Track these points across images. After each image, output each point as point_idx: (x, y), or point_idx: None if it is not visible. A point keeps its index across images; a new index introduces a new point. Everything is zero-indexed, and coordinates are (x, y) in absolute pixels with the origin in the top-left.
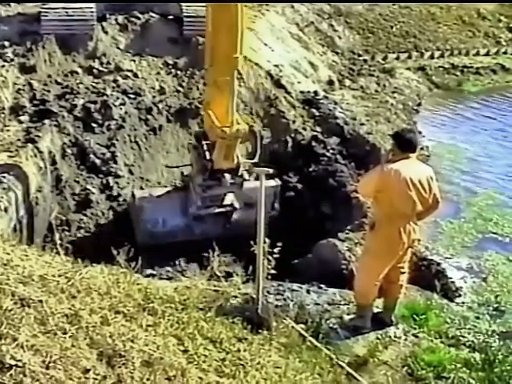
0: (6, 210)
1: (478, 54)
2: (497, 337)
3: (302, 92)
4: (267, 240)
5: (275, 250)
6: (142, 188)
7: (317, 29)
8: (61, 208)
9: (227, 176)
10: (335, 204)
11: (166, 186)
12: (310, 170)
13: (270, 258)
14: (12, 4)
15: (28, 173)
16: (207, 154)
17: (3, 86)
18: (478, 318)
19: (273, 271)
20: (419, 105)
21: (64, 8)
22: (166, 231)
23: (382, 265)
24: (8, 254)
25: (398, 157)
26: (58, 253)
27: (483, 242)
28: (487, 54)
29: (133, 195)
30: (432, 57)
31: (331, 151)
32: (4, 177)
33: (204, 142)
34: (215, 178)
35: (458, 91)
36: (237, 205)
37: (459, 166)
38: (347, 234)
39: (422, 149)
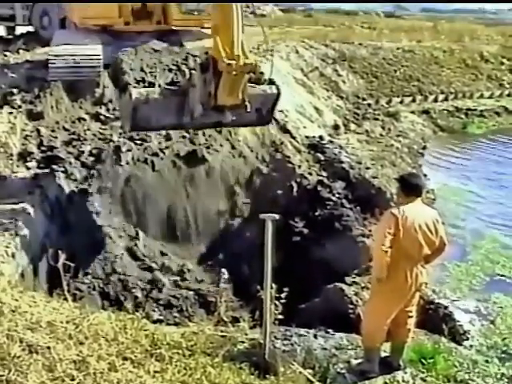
0: (13, 255)
1: (481, 96)
2: (506, 380)
3: (307, 137)
4: (274, 285)
5: (282, 295)
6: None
7: (321, 74)
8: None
9: (228, 114)
10: (341, 248)
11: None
12: (316, 214)
13: (276, 303)
14: (20, 51)
15: (35, 218)
16: (212, 86)
17: (11, 133)
18: (486, 361)
19: (280, 316)
20: (424, 148)
21: (71, 55)
22: (150, 127)
23: (390, 308)
24: (16, 300)
25: (404, 200)
26: (65, 299)
27: (491, 284)
28: (491, 97)
29: (130, 94)
30: (436, 100)
31: (337, 195)
32: (11, 222)
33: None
34: (216, 111)
35: (463, 134)
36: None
37: (465, 208)
38: (354, 278)
39: (427, 192)
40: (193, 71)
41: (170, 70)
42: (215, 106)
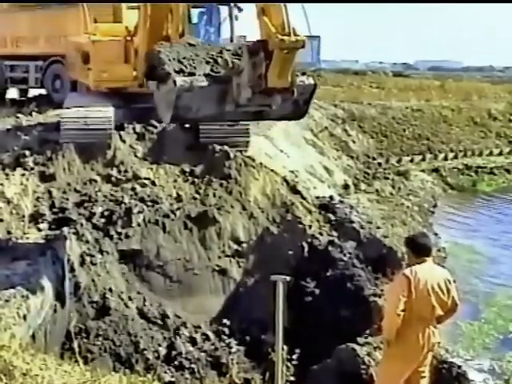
0: (24, 317)
1: (491, 154)
2: None
3: (317, 197)
4: (285, 346)
5: (294, 357)
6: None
7: (331, 134)
8: (79, 315)
9: (277, 97)
10: (353, 308)
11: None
12: (328, 274)
13: (288, 364)
14: (33, 113)
15: (47, 280)
16: (262, 68)
17: (23, 194)
18: None
19: (291, 378)
20: (435, 206)
21: (83, 117)
22: (190, 118)
23: (402, 369)
24: (27, 363)
25: (415, 261)
26: (76, 361)
27: (504, 342)
28: (500, 154)
29: (174, 82)
30: (446, 158)
31: (348, 255)
32: (23, 284)
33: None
34: (265, 95)
35: (473, 191)
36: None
37: (477, 266)
38: (366, 338)
39: (438, 250)
40: (235, 60)
41: (208, 62)
42: (265, 89)
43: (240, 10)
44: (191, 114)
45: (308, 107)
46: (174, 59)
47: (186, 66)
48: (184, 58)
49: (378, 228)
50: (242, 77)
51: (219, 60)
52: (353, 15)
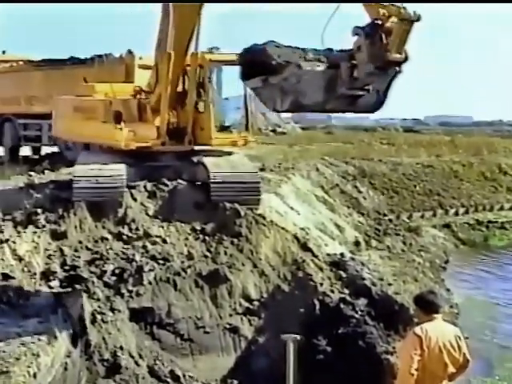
0: (35, 375)
1: (502, 208)
2: None
3: (328, 254)
4: None
5: None
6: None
7: (342, 190)
8: (90, 373)
9: (396, 70)
10: (365, 366)
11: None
12: (339, 332)
13: None
14: (45, 171)
15: (58, 338)
16: (382, 44)
17: (35, 252)
18: None
19: None
20: (446, 262)
21: (95, 176)
22: (305, 104)
23: None
24: None
25: (424, 318)
26: None
27: None
28: (511, 209)
29: (299, 65)
30: (457, 213)
31: (360, 312)
32: (34, 342)
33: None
34: (383, 69)
35: (485, 246)
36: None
37: (489, 321)
38: None
39: (451, 306)
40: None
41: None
42: (385, 63)
43: None
44: (306, 99)
45: (386, 97)
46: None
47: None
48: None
49: (390, 285)
50: (360, 56)
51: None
52: None
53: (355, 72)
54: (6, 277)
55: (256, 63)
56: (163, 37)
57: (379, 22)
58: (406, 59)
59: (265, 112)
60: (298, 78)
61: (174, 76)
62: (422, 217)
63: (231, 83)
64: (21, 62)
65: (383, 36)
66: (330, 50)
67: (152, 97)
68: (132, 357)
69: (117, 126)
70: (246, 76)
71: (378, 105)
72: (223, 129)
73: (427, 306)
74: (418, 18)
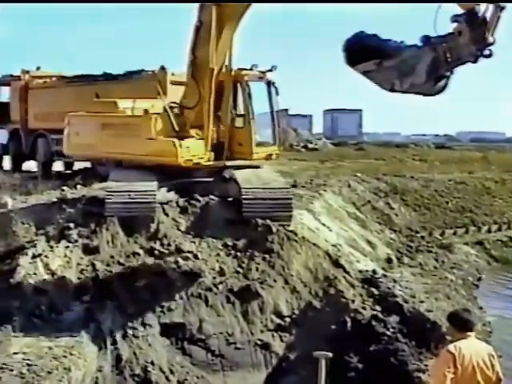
0: None
1: None
2: None
3: (360, 271)
4: None
5: None
6: None
7: (373, 207)
8: None
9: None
10: (397, 383)
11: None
12: (371, 349)
13: None
14: (78, 186)
15: (89, 352)
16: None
17: (67, 266)
18: None
19: None
20: (479, 279)
21: (127, 191)
22: (417, 84)
23: None
24: None
25: (457, 336)
26: None
27: None
28: None
29: (417, 46)
30: (489, 230)
31: (391, 330)
32: (65, 356)
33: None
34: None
35: None
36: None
37: None
38: None
39: (483, 325)
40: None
41: None
42: (485, 45)
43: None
44: (418, 80)
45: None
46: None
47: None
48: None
49: (422, 302)
50: (461, 40)
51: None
52: None
53: (452, 54)
54: (39, 291)
55: (367, 49)
56: (202, 52)
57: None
58: (494, 42)
59: (296, 128)
60: (417, 60)
61: (215, 91)
62: (455, 234)
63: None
64: (54, 78)
65: (483, 21)
66: (427, 36)
67: (190, 113)
68: (163, 372)
69: (174, 142)
70: (352, 62)
71: (443, 89)
72: (258, 144)
73: (461, 323)
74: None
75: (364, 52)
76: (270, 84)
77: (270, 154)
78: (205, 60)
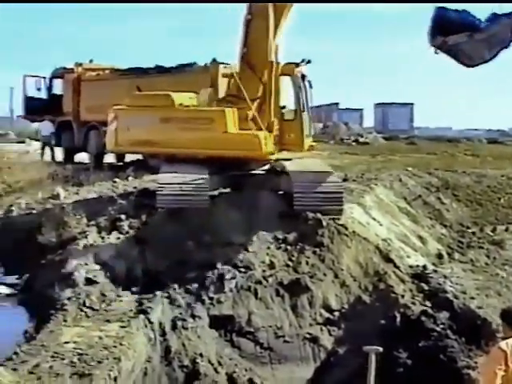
0: (115, 379)
1: None
2: None
3: (410, 266)
4: None
5: None
6: None
7: (424, 202)
8: (169, 379)
9: None
10: (446, 380)
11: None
12: (420, 345)
13: None
14: (130, 178)
15: (138, 343)
16: None
17: (118, 257)
18: None
19: None
20: None
21: (179, 183)
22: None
23: None
24: None
25: (510, 334)
26: None
27: None
28: None
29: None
30: None
31: (441, 326)
32: (115, 346)
33: None
34: None
35: None
36: None
37: None
38: None
39: None
40: None
41: None
42: None
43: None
44: (498, 49)
45: None
46: None
47: None
48: None
49: (472, 298)
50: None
51: None
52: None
53: None
54: (90, 281)
55: (456, 22)
56: (260, 45)
57: None
58: None
59: (347, 122)
60: (506, 33)
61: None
62: (507, 230)
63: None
64: (107, 71)
65: None
66: (496, 14)
67: (249, 105)
68: (211, 364)
69: (259, 135)
70: (438, 33)
71: None
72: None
73: None
74: None
75: (451, 26)
76: (304, 77)
77: (312, 146)
78: (262, 53)
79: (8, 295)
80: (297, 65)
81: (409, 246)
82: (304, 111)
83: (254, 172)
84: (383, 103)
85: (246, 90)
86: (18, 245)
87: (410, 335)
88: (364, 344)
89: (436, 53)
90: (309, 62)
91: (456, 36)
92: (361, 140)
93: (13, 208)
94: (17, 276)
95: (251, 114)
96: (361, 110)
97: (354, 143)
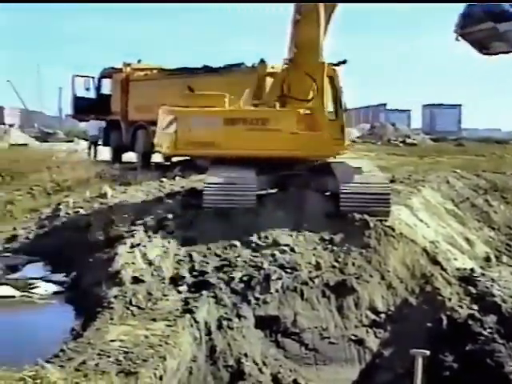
0: (161, 378)
1: None
2: None
3: (458, 269)
4: None
5: None
6: None
7: (472, 204)
8: (214, 379)
9: None
10: None
11: None
12: (467, 349)
13: None
14: (177, 178)
15: (184, 342)
16: None
17: (164, 257)
18: None
19: None
20: None
21: (226, 183)
22: None
23: None
24: None
25: None
26: None
27: None
28: None
29: None
30: None
31: (488, 330)
32: (161, 345)
33: None
34: None
35: None
36: None
37: None
38: None
39: None
40: None
41: None
42: None
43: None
44: None
45: None
46: None
47: None
48: None
49: None
50: None
51: None
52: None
53: None
54: (137, 280)
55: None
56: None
57: None
58: None
59: (394, 123)
60: None
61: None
62: None
63: None
64: (155, 71)
65: None
66: None
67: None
68: (256, 364)
69: (334, 137)
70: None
71: None
72: None
73: None
74: None
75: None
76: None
77: (349, 145)
78: (313, 54)
79: (55, 293)
80: (336, 65)
81: (456, 249)
82: (345, 111)
83: (300, 172)
84: (431, 104)
85: (296, 91)
86: (66, 243)
87: (456, 339)
88: (410, 346)
89: (457, 39)
90: (345, 62)
91: (508, 23)
92: (408, 141)
93: (61, 206)
94: (64, 274)
95: (303, 114)
96: (408, 110)
97: (401, 144)
